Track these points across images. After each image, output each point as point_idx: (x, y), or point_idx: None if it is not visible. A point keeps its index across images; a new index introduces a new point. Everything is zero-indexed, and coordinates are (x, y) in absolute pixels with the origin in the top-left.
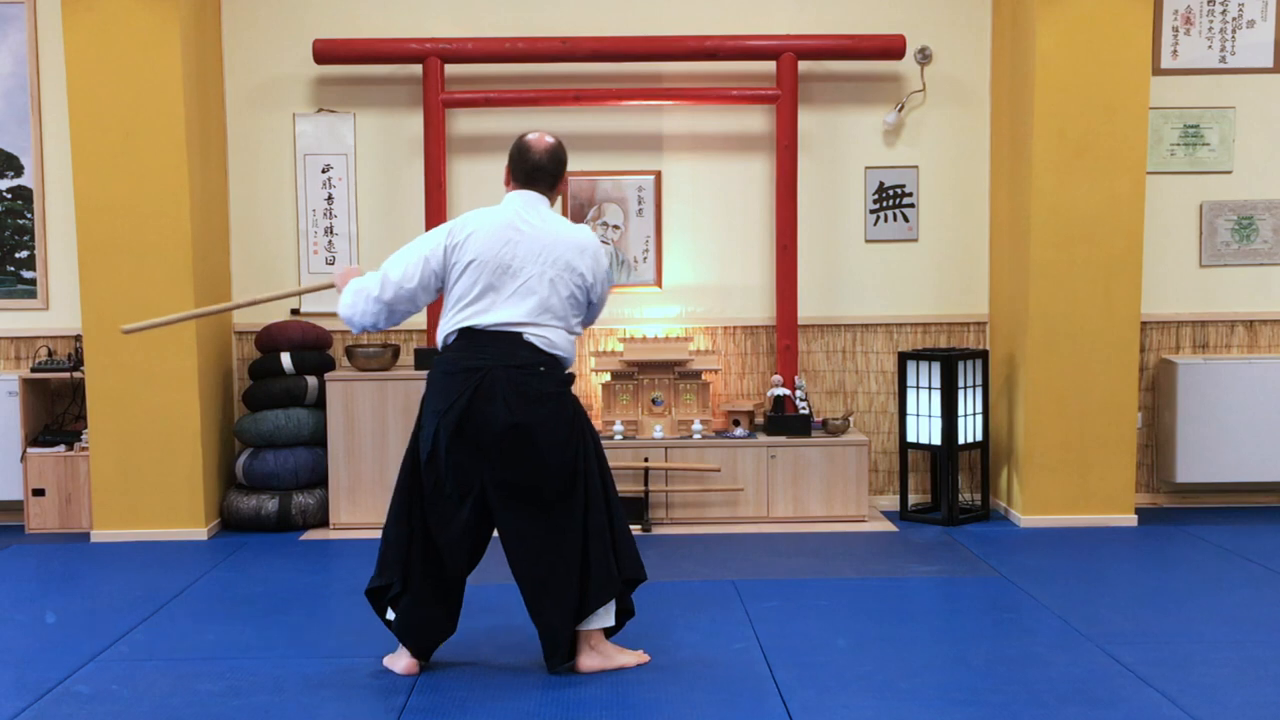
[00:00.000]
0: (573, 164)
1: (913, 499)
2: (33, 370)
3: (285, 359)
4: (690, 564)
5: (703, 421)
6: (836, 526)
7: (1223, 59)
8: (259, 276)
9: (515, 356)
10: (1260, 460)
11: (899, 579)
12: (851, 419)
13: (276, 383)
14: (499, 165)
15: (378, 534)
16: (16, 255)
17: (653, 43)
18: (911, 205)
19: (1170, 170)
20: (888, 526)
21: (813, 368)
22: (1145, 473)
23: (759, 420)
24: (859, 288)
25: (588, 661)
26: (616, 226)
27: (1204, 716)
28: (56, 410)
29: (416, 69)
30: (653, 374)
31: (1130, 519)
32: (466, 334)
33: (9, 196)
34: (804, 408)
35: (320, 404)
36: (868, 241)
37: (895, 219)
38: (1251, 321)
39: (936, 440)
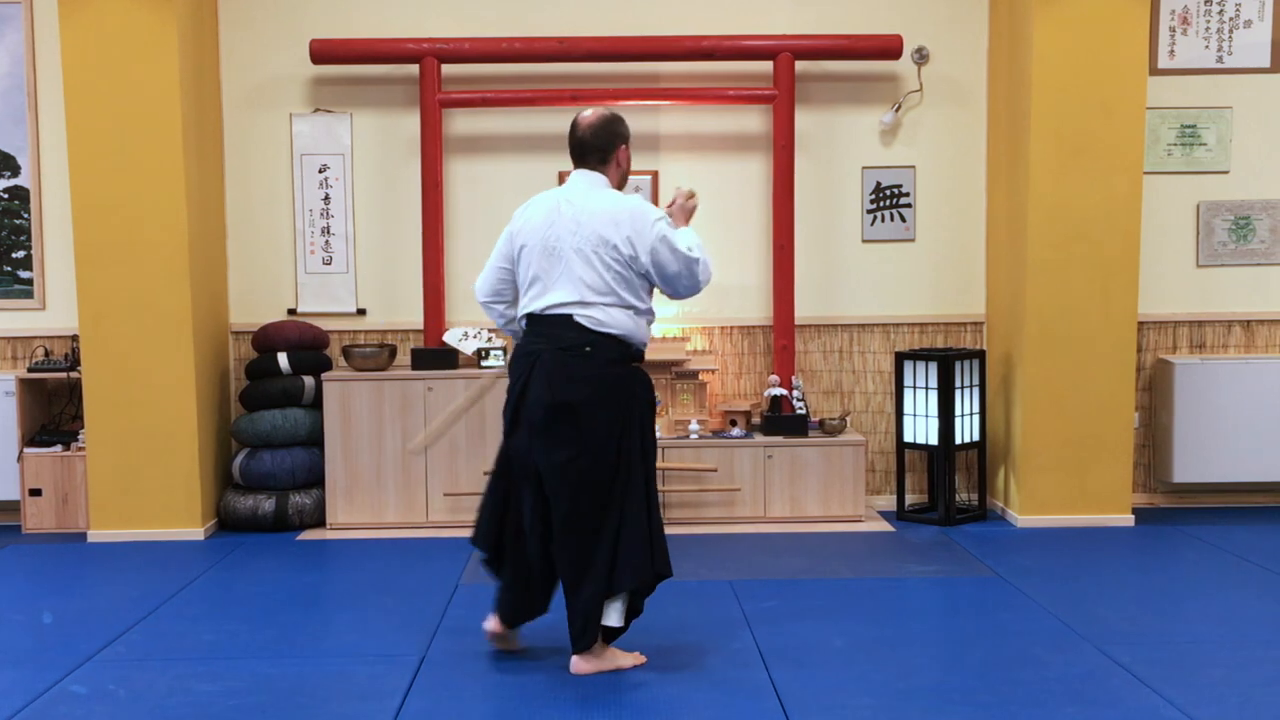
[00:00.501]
0: (568, 165)
1: (910, 499)
2: (30, 370)
3: (282, 359)
4: (687, 564)
5: (700, 421)
6: (833, 526)
7: (1220, 59)
8: (256, 277)
9: (563, 339)
10: (1257, 460)
11: (896, 579)
12: (848, 419)
13: (273, 383)
14: (496, 165)
15: (375, 534)
16: (13, 255)
17: (650, 43)
18: (908, 205)
19: (1167, 170)
20: (885, 526)
21: (810, 368)
22: (1142, 473)
23: (756, 420)
24: (856, 288)
25: (584, 664)
26: None
27: (1201, 717)
28: (53, 410)
29: (413, 69)
30: (650, 373)
31: (1127, 519)
32: (529, 320)
33: (6, 196)
34: (801, 408)
35: (317, 404)
36: (865, 241)
37: (892, 219)
38: (1248, 321)
39: (933, 440)
